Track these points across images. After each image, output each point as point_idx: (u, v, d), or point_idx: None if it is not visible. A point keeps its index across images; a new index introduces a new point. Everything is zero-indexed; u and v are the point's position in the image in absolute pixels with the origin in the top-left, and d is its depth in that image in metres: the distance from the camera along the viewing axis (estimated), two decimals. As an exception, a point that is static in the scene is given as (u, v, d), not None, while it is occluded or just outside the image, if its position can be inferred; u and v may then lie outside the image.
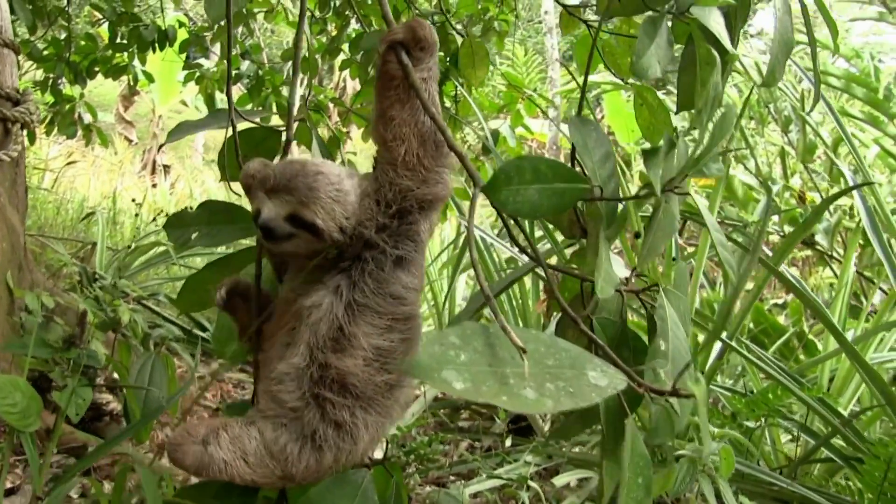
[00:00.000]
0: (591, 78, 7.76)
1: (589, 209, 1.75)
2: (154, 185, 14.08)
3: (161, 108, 17.80)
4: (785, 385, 3.73)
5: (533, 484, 3.61)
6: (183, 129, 2.29)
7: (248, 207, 2.09)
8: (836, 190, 7.35)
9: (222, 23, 5.93)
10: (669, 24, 2.00)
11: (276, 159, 2.18)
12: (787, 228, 6.83)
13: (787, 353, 5.31)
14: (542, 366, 1.16)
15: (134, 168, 16.30)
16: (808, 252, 7.74)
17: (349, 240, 1.79)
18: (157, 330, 3.10)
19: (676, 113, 2.33)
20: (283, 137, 2.18)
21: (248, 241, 2.37)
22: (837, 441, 3.83)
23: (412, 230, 1.83)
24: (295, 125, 2.33)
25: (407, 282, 1.82)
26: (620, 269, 1.92)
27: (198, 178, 15.68)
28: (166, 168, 17.07)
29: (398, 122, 1.77)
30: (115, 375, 3.64)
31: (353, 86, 13.07)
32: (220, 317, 2.05)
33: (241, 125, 2.33)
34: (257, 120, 2.30)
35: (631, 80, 2.54)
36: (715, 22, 1.93)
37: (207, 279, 2.29)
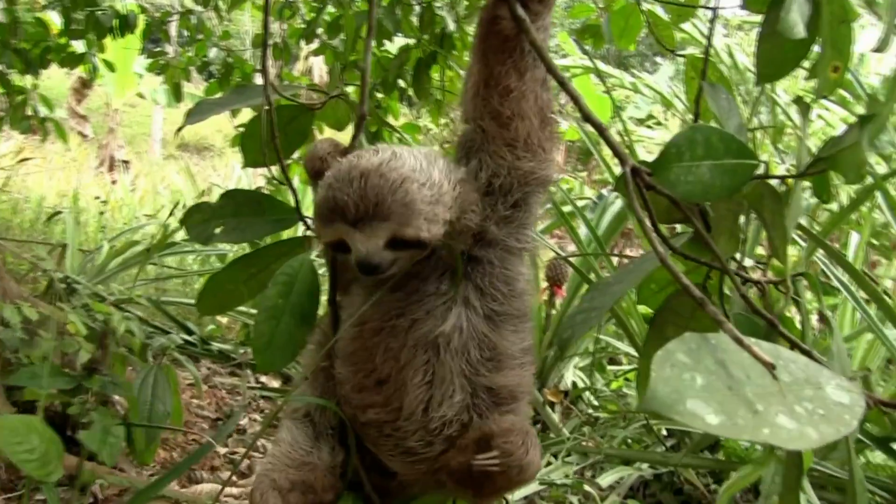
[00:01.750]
0: (559, 62, 7.60)
1: (753, 188, 1.46)
2: (114, 182, 13.63)
3: (116, 101, 17.25)
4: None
5: (589, 488, 3.42)
6: (203, 109, 2.00)
7: (281, 197, 1.84)
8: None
9: (197, 8, 5.69)
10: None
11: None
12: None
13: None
14: (781, 384, 0.90)
15: (90, 165, 15.80)
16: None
17: (454, 232, 1.53)
18: (157, 339, 2.79)
19: (758, 84, 2.08)
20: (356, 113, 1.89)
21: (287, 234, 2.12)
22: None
23: (531, 216, 1.61)
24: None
25: (527, 274, 1.64)
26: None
27: (159, 173, 15.21)
28: (125, 164, 16.57)
29: (517, 95, 1.53)
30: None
31: (320, 73, 12.74)
32: (258, 321, 1.76)
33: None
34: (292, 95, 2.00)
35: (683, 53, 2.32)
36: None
37: (231, 279, 2.02)
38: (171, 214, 3.06)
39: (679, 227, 1.80)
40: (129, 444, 2.62)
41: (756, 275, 1.63)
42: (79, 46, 5.62)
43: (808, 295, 3.26)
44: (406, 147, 1.60)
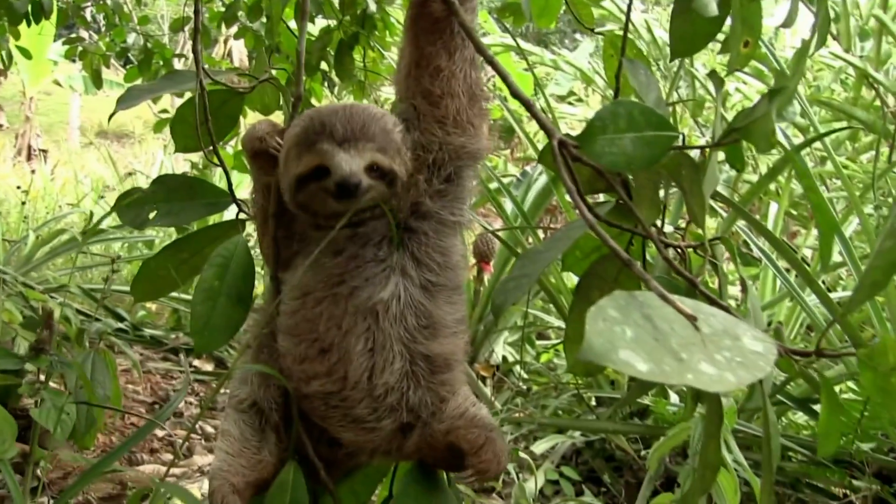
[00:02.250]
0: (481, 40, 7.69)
1: (671, 158, 1.55)
2: (33, 172, 13.33)
3: (31, 89, 16.85)
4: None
5: (524, 454, 3.53)
6: (134, 95, 2.01)
7: (213, 181, 1.87)
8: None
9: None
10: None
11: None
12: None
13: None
14: (703, 335, 0.99)
15: (7, 155, 15.42)
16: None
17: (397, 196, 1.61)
18: (94, 325, 2.79)
19: (671, 60, 2.17)
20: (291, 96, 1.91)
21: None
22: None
23: (465, 189, 1.67)
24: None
25: (462, 248, 1.70)
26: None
27: (78, 162, 14.91)
28: (44, 152, 16.21)
29: (447, 74, 1.60)
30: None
31: (240, 56, 12.60)
32: (195, 303, 1.79)
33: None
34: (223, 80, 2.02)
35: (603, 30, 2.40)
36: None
37: (164, 264, 2.04)
38: (101, 197, 3.05)
39: (602, 197, 1.89)
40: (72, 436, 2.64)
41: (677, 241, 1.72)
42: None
43: (731, 266, 3.39)
44: None
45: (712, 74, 1.73)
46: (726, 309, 1.28)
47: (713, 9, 1.58)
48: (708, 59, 8.36)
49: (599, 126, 1.32)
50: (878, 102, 6.25)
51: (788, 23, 1.82)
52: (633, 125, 1.35)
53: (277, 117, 2.40)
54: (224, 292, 1.80)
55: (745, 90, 7.30)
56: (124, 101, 2.01)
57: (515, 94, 1.41)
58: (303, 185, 1.60)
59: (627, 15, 2.04)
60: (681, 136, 1.45)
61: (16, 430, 1.96)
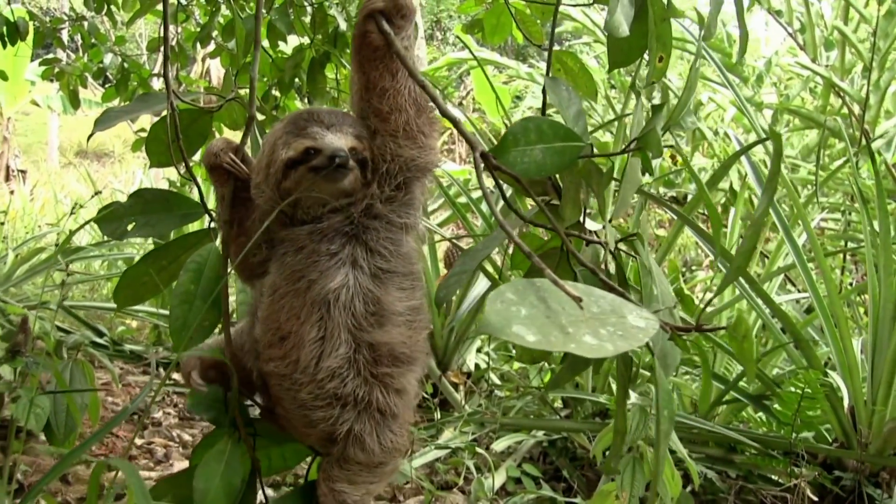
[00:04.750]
0: (456, 55, 7.71)
1: (580, 166, 1.78)
2: (12, 192, 13.40)
3: (8, 109, 16.89)
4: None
5: (480, 450, 3.69)
6: (111, 117, 2.18)
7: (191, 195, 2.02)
8: (698, 152, 7.73)
9: (89, 13, 5.71)
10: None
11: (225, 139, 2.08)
12: (662, 189, 7.10)
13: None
14: (590, 313, 1.18)
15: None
16: (669, 215, 8.04)
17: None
18: (71, 336, 2.93)
19: (609, 71, 2.36)
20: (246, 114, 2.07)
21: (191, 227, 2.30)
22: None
23: (413, 198, 1.85)
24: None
25: (413, 245, 1.85)
26: (591, 224, 1.96)
27: (58, 182, 14.98)
28: (22, 173, 16.26)
29: (392, 93, 1.77)
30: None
31: (218, 75, 12.72)
32: (173, 306, 1.96)
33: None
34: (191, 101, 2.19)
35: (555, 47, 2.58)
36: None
37: (143, 272, 2.21)
38: (72, 212, 3.17)
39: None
40: (48, 436, 2.77)
41: (614, 232, 1.91)
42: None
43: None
44: None
45: (632, 87, 1.93)
46: (621, 293, 1.48)
47: (624, 29, 1.79)
48: (684, 69, 8.55)
49: (512, 139, 1.54)
50: (845, 110, 6.45)
51: (707, 37, 2.00)
52: (542, 137, 1.57)
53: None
54: (199, 295, 1.95)
55: (718, 100, 7.48)
56: (101, 123, 2.17)
57: (443, 112, 1.61)
58: (290, 169, 1.78)
59: (552, 35, 2.23)
60: (590, 146, 1.66)
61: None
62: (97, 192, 5.90)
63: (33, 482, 2.81)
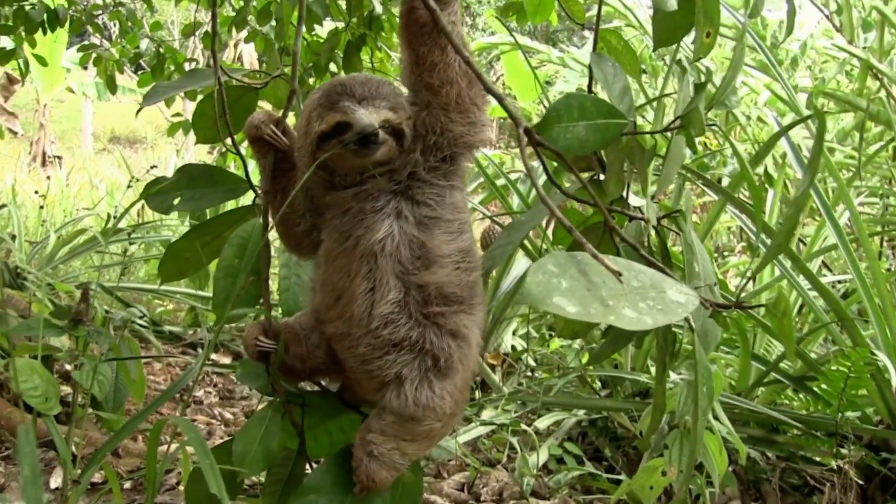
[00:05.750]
0: (487, 39, 7.68)
1: (624, 143, 1.78)
2: (48, 178, 13.54)
3: (45, 96, 17.06)
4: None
5: (525, 427, 3.69)
6: (159, 92, 2.22)
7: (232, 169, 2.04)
8: (733, 135, 7.65)
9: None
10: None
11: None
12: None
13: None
14: (630, 287, 1.20)
15: (23, 161, 15.64)
16: (707, 198, 7.98)
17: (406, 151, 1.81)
18: (117, 313, 2.97)
19: (654, 50, 2.35)
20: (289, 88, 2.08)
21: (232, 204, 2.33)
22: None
23: (459, 168, 1.85)
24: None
25: (461, 199, 1.85)
26: (634, 199, 1.96)
27: (93, 167, 15.13)
28: (58, 158, 16.43)
29: (442, 66, 1.78)
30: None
31: (250, 60, 12.80)
32: (217, 279, 1.99)
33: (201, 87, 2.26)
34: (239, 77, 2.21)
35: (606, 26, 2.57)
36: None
37: (187, 247, 2.25)
38: (130, 187, 3.21)
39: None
40: (97, 408, 2.81)
41: (655, 209, 1.91)
42: (7, 43, 5.64)
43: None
44: None
45: (678, 63, 1.92)
46: (661, 269, 1.49)
47: (672, 3, 1.78)
48: (716, 51, 8.47)
49: (555, 116, 1.57)
50: (883, 93, 6.35)
51: (754, 14, 1.99)
52: (585, 114, 1.59)
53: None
54: (243, 269, 1.99)
55: (752, 83, 7.40)
56: (150, 98, 2.20)
57: (488, 89, 1.62)
58: (324, 142, 1.79)
59: (598, 12, 2.22)
60: (632, 123, 1.67)
61: (59, 391, 2.17)
62: (135, 179, 5.95)
63: (86, 454, 2.85)
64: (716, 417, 2.76)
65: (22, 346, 2.46)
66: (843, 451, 3.44)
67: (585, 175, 1.97)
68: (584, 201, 1.78)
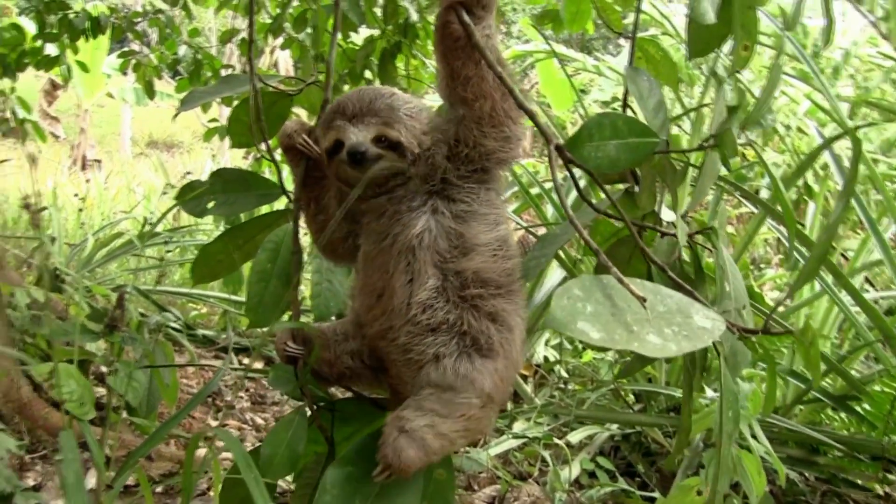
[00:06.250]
0: (521, 47, 7.64)
1: (656, 161, 1.77)
2: (87, 181, 13.70)
3: (86, 101, 17.27)
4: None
5: (558, 441, 3.65)
6: (196, 97, 2.24)
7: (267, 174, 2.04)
8: (769, 146, 7.55)
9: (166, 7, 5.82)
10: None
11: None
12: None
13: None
14: (655, 313, 1.19)
15: (63, 164, 15.83)
16: (744, 209, 7.89)
17: (423, 160, 1.82)
18: (152, 317, 2.98)
19: (689, 60, 2.32)
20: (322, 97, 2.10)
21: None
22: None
23: (490, 178, 1.86)
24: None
25: (496, 197, 1.86)
26: (667, 213, 1.93)
27: (130, 171, 15.29)
28: (97, 162, 16.63)
29: (476, 80, 1.78)
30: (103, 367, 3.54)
31: (286, 66, 12.84)
32: (250, 283, 2.00)
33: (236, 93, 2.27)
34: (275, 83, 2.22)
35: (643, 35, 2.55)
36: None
37: (220, 250, 2.29)
38: (161, 194, 3.24)
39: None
40: (130, 412, 2.82)
41: (685, 227, 1.88)
42: (51, 49, 5.73)
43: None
44: None
45: (714, 75, 1.90)
46: (689, 291, 1.46)
47: (710, 17, 1.76)
48: (754, 61, 8.37)
49: (586, 134, 1.57)
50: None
51: (791, 26, 1.96)
52: (617, 133, 1.58)
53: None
54: (275, 274, 2.02)
55: (791, 93, 7.32)
56: (187, 103, 2.22)
57: (520, 105, 1.61)
58: (330, 157, 1.86)
59: (635, 24, 2.19)
60: (665, 142, 1.65)
61: (94, 396, 2.18)
62: (170, 186, 5.98)
63: (119, 456, 2.87)
64: (753, 436, 2.70)
65: (60, 351, 2.48)
66: (891, 476, 3.34)
67: (619, 186, 1.95)
68: (614, 217, 1.77)
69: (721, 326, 1.24)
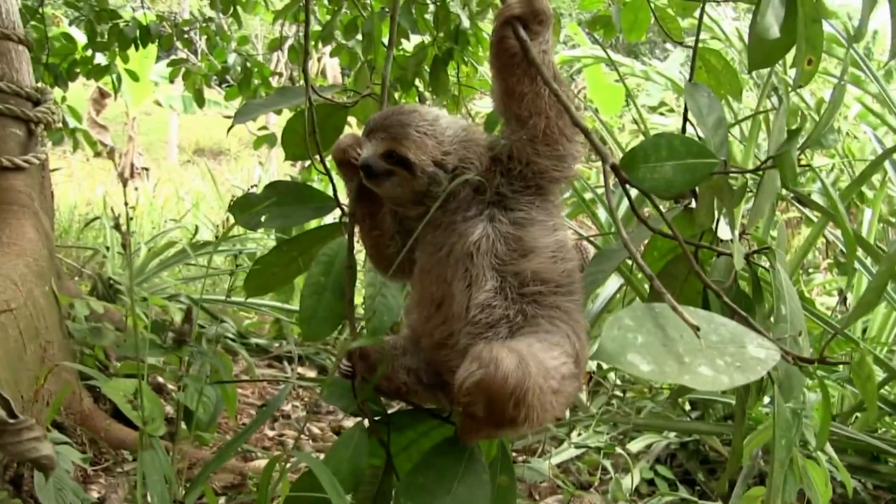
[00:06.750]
0: (570, 52, 7.59)
1: (713, 181, 1.74)
2: (136, 189, 13.87)
3: (134, 110, 17.49)
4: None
5: (620, 450, 3.63)
6: (250, 110, 2.24)
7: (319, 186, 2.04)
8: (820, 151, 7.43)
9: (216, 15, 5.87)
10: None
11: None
12: (784, 192, 6.84)
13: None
14: (708, 342, 1.16)
15: (113, 173, 16.06)
16: (790, 214, 7.79)
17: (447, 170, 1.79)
18: (211, 328, 3.00)
19: (749, 72, 2.28)
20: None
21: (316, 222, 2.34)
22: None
23: (544, 192, 1.81)
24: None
25: (552, 206, 1.81)
26: (725, 230, 1.90)
27: (178, 179, 15.48)
28: (146, 170, 16.85)
29: (531, 97, 1.74)
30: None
31: (333, 73, 12.92)
32: (304, 296, 1.99)
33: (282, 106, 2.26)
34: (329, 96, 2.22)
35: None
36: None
37: (274, 262, 2.28)
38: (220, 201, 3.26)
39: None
40: (189, 425, 2.84)
41: (744, 245, 1.85)
42: (100, 58, 5.84)
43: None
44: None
45: (775, 90, 1.87)
46: (745, 318, 1.43)
47: (775, 31, 1.73)
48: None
49: (642, 155, 1.55)
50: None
51: (859, 37, 1.92)
52: (673, 154, 1.56)
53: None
54: (329, 287, 2.00)
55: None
56: (241, 115, 2.23)
57: (575, 122, 1.58)
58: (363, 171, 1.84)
59: (697, 35, 2.16)
60: (723, 163, 1.62)
61: (163, 412, 2.18)
62: (231, 197, 6.02)
63: (180, 468, 2.88)
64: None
65: (125, 365, 2.49)
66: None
67: (677, 203, 1.92)
68: (668, 236, 1.74)
69: (775, 356, 1.21)
